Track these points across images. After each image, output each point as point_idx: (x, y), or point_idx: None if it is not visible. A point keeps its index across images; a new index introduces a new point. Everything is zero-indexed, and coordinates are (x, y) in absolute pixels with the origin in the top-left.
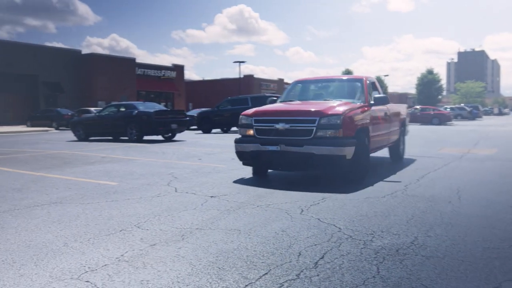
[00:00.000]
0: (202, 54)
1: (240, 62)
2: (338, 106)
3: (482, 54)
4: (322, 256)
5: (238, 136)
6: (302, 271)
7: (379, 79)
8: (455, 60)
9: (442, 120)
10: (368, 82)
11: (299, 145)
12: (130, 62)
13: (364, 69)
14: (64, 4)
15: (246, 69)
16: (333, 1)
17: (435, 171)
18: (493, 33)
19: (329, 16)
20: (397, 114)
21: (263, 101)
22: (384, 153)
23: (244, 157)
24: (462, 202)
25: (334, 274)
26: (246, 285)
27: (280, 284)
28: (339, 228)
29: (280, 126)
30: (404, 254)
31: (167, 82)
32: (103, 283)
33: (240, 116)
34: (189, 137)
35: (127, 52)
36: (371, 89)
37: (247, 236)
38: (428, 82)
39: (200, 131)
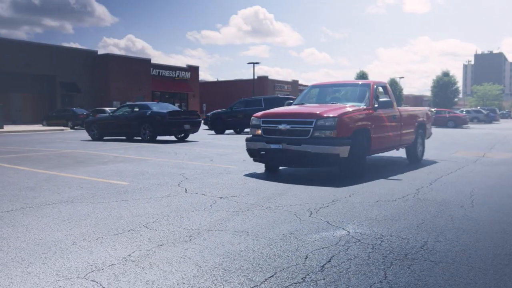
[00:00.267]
0: (217, 55)
1: (254, 63)
2: (335, 109)
3: (500, 57)
4: (329, 260)
5: (249, 135)
6: (308, 275)
7: (393, 82)
8: (472, 62)
9: (457, 123)
10: (375, 87)
11: (298, 144)
12: (145, 63)
13: (379, 71)
14: (82, 5)
15: (261, 70)
16: (348, 2)
17: (448, 174)
18: None
19: (344, 17)
20: (413, 116)
21: (276, 102)
22: (402, 153)
23: (253, 154)
24: (475, 206)
25: (340, 278)
26: None
27: (285, 287)
28: (348, 231)
29: (282, 126)
30: (413, 259)
31: (181, 83)
32: (108, 283)
33: (251, 118)
34: (202, 137)
35: (143, 53)
36: (376, 94)
37: (254, 238)
38: (443, 85)
39: (213, 132)
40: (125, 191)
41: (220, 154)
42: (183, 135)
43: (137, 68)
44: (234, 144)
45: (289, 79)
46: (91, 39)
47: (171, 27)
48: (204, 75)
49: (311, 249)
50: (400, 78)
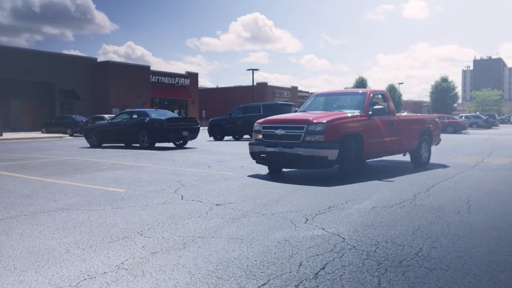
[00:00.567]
0: (217, 62)
1: (253, 70)
2: (326, 116)
3: (499, 62)
4: (323, 267)
5: (252, 140)
6: (301, 282)
7: (392, 88)
8: (471, 68)
9: (456, 128)
10: (371, 95)
11: (291, 147)
12: (144, 70)
13: (378, 77)
14: (82, 13)
15: (260, 77)
16: (347, 9)
17: (446, 180)
18: (511, 40)
19: (343, 23)
20: (415, 123)
21: (275, 108)
22: (409, 158)
23: (255, 156)
24: (471, 212)
25: (333, 285)
26: None
27: None
28: (343, 238)
29: (278, 131)
30: (407, 265)
31: (181, 89)
32: None
33: (254, 124)
34: (201, 144)
35: (143, 60)
36: (373, 102)
37: (249, 245)
38: (442, 90)
39: (212, 138)
40: (121, 198)
41: (218, 160)
42: (181, 141)
43: (136, 75)
44: (233, 151)
45: (289, 85)
46: (91, 46)
47: (171, 34)
48: (204, 82)
49: (306, 256)
50: (399, 84)
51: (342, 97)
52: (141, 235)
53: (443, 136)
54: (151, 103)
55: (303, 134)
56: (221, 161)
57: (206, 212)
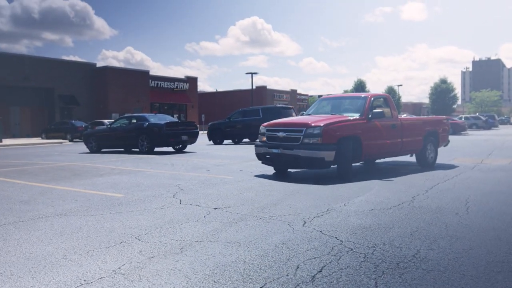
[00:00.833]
0: (216, 66)
1: (252, 73)
2: (324, 119)
3: (498, 63)
4: (320, 270)
5: (258, 142)
6: (298, 285)
7: (391, 90)
8: (470, 69)
9: (456, 130)
10: (372, 99)
11: (291, 149)
12: (143, 75)
13: (377, 79)
14: (81, 19)
15: (260, 80)
16: (345, 11)
17: (445, 181)
18: (509, 41)
19: (342, 26)
20: (419, 125)
21: (274, 112)
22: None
23: (260, 157)
24: (470, 213)
25: None
26: None
27: None
28: (341, 240)
29: (280, 134)
30: (405, 267)
31: (180, 94)
32: None
33: (260, 127)
34: (200, 148)
35: (142, 65)
36: (373, 105)
37: (246, 248)
38: (441, 92)
39: (211, 142)
40: (119, 203)
41: (217, 164)
42: (180, 146)
43: (135, 80)
44: (232, 155)
45: (288, 88)
46: (90, 52)
47: (170, 39)
48: (203, 86)
49: (303, 259)
50: (399, 86)
51: (345, 101)
52: (139, 239)
53: None
54: (150, 108)
55: (302, 136)
56: (220, 165)
57: (204, 216)
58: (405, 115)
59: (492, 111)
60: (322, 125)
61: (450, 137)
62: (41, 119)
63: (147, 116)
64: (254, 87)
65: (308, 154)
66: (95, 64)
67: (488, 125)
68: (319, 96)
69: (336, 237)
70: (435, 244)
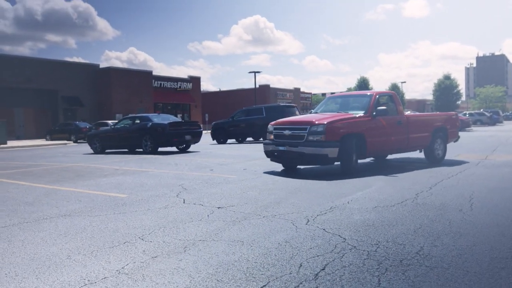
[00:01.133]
0: (218, 65)
1: (255, 72)
2: (328, 117)
3: (502, 58)
4: (323, 268)
5: (266, 140)
6: (301, 283)
7: (394, 87)
8: (474, 65)
9: (460, 126)
10: (377, 97)
11: (296, 146)
12: (146, 75)
13: (380, 76)
14: (84, 20)
15: (263, 79)
16: (347, 9)
17: (449, 178)
18: None
19: (344, 24)
20: (426, 121)
21: (277, 110)
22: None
23: (268, 155)
24: (473, 210)
25: (333, 285)
26: None
27: None
28: (344, 238)
29: (286, 132)
30: (408, 264)
31: (183, 93)
32: None
33: (268, 126)
34: (204, 148)
35: (145, 65)
36: (379, 103)
37: (249, 247)
38: (445, 88)
39: (215, 142)
40: (123, 203)
41: (221, 164)
42: (184, 145)
43: (139, 80)
44: (235, 154)
45: (291, 87)
46: (93, 53)
47: (172, 38)
48: (206, 86)
49: (306, 257)
50: (402, 83)
51: (352, 99)
52: (142, 239)
53: None
54: (154, 108)
55: (306, 134)
56: (224, 164)
57: (208, 215)
58: (409, 112)
59: (497, 107)
60: (325, 123)
61: None
62: (45, 120)
63: (151, 116)
64: (257, 86)
65: (312, 151)
66: (98, 65)
67: (493, 121)
68: (323, 94)
69: (339, 235)
70: (439, 241)
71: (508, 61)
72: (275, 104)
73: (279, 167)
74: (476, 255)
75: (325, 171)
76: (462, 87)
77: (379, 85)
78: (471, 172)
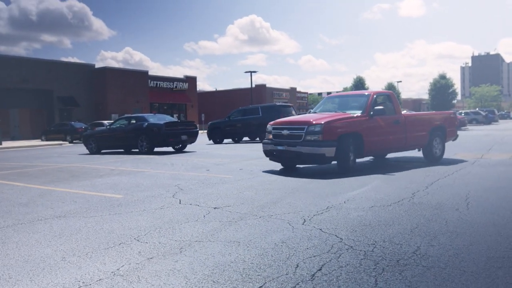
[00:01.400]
0: (215, 65)
1: (251, 72)
2: (326, 117)
3: (497, 58)
4: (320, 268)
5: (265, 139)
6: (297, 284)
7: (391, 86)
8: (469, 64)
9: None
10: (374, 96)
11: (294, 146)
12: (142, 75)
13: (376, 76)
14: (79, 20)
15: (259, 79)
16: (344, 9)
17: (445, 177)
18: (508, 35)
19: (340, 23)
20: (424, 120)
21: (273, 110)
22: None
23: (267, 154)
24: (470, 209)
25: (330, 286)
26: None
27: None
28: (341, 238)
29: (284, 132)
30: (405, 264)
31: (179, 93)
32: None
33: (267, 125)
34: (200, 148)
35: (141, 65)
36: (375, 102)
37: (245, 248)
38: (441, 87)
39: (211, 142)
40: (118, 204)
41: (217, 164)
42: (180, 145)
43: (134, 80)
44: (232, 154)
45: (287, 86)
46: (89, 53)
47: (168, 38)
48: (203, 85)
49: (303, 258)
50: (398, 82)
51: (350, 99)
52: (138, 240)
53: None
54: (150, 108)
55: (304, 134)
56: (220, 164)
57: (204, 216)
58: (405, 111)
59: (492, 106)
60: (322, 122)
61: None
62: (41, 121)
63: (146, 116)
64: (253, 85)
65: (310, 151)
66: (93, 65)
67: (488, 120)
68: (319, 94)
69: (336, 235)
70: (435, 241)
71: (503, 60)
72: (271, 104)
73: (275, 166)
74: (472, 254)
75: (322, 170)
76: (457, 86)
77: (375, 84)
78: (467, 171)
